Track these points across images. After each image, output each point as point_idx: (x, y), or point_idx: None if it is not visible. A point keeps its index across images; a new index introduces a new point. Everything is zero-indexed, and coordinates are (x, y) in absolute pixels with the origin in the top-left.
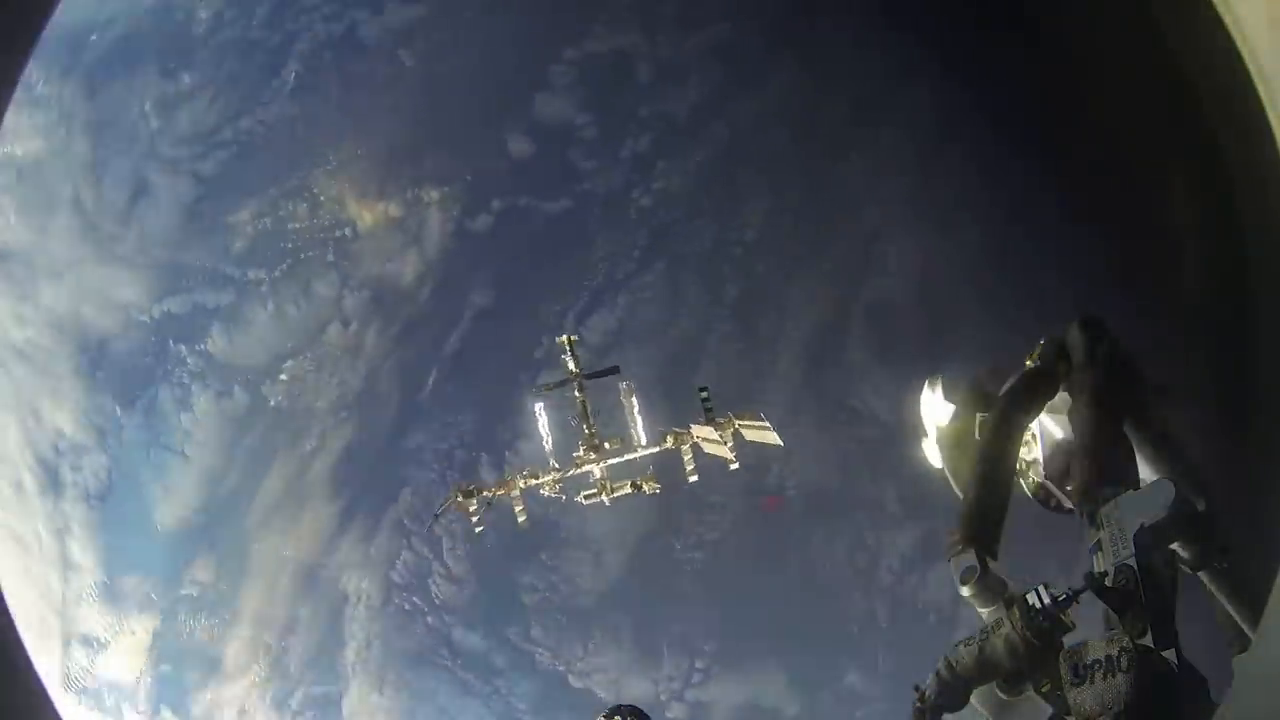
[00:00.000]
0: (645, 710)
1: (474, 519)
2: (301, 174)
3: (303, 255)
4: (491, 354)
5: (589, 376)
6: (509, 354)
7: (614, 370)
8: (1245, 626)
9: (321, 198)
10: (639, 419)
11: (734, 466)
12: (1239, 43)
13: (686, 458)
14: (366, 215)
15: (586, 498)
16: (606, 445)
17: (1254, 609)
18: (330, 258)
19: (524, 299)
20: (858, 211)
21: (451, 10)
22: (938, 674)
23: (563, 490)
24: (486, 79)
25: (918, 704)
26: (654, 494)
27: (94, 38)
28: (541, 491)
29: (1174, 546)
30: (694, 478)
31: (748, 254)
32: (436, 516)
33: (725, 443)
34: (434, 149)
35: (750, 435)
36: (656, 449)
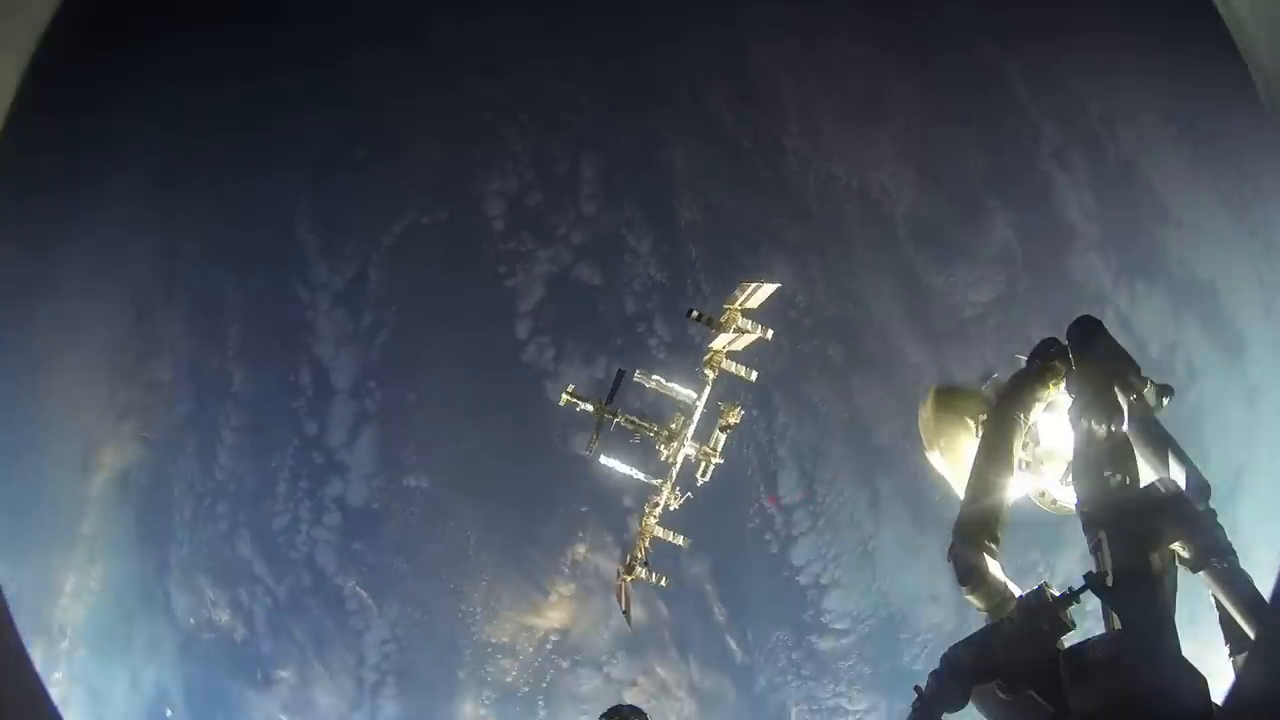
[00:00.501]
0: (644, 711)
1: (653, 581)
2: (458, 657)
3: (549, 684)
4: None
5: (609, 400)
6: (787, 599)
7: (620, 375)
8: (1245, 626)
9: (503, 639)
10: (674, 385)
11: (770, 335)
12: (1239, 42)
13: (733, 369)
14: (552, 615)
15: (702, 475)
16: (674, 427)
17: (1254, 609)
18: (585, 688)
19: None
20: (832, 178)
21: (395, 398)
22: (938, 674)
23: (681, 492)
24: (492, 420)
25: (918, 703)
26: (743, 419)
27: (169, 715)
28: (671, 508)
29: (1174, 546)
30: (754, 376)
31: (812, 313)
32: (627, 614)
33: (744, 330)
34: (533, 524)
35: (754, 303)
36: (709, 389)
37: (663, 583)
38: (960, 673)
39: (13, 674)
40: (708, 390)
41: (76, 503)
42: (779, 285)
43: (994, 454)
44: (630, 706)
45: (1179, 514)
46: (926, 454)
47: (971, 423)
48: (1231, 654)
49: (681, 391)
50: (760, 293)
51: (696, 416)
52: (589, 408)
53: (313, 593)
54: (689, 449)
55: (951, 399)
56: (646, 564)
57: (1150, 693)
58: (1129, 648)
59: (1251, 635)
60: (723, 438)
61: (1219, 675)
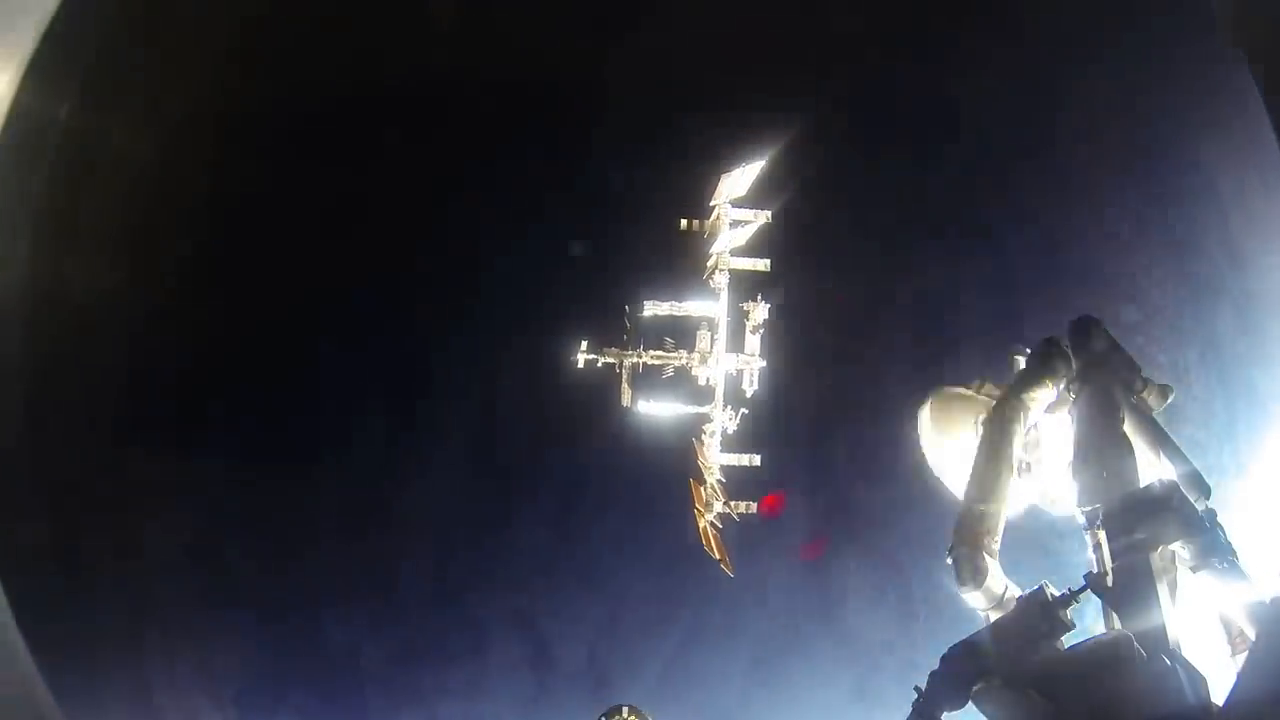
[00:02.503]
0: (644, 711)
1: (738, 512)
2: None
3: None
4: None
5: (626, 341)
6: None
7: (628, 316)
8: (1245, 626)
9: None
10: (688, 305)
11: (769, 215)
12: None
13: (741, 266)
14: None
15: (749, 384)
16: (703, 347)
17: (1253, 610)
18: None
19: None
20: None
21: None
22: (938, 674)
23: (735, 411)
24: None
25: (919, 703)
26: (771, 311)
27: None
28: (729, 431)
29: (1174, 546)
30: (766, 265)
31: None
32: (722, 560)
33: (742, 221)
34: None
35: (740, 190)
36: (725, 294)
37: (746, 509)
38: (961, 672)
39: (14, 675)
40: (724, 296)
41: None
42: (760, 163)
43: (994, 454)
44: (630, 706)
45: (1179, 514)
46: (926, 456)
47: (971, 424)
48: (1232, 654)
49: (699, 308)
50: (744, 178)
51: (723, 328)
52: (609, 359)
53: None
54: (727, 364)
55: (951, 401)
56: (723, 499)
57: (1150, 692)
58: (1129, 647)
59: (1251, 635)
60: (756, 340)
61: (1219, 675)
